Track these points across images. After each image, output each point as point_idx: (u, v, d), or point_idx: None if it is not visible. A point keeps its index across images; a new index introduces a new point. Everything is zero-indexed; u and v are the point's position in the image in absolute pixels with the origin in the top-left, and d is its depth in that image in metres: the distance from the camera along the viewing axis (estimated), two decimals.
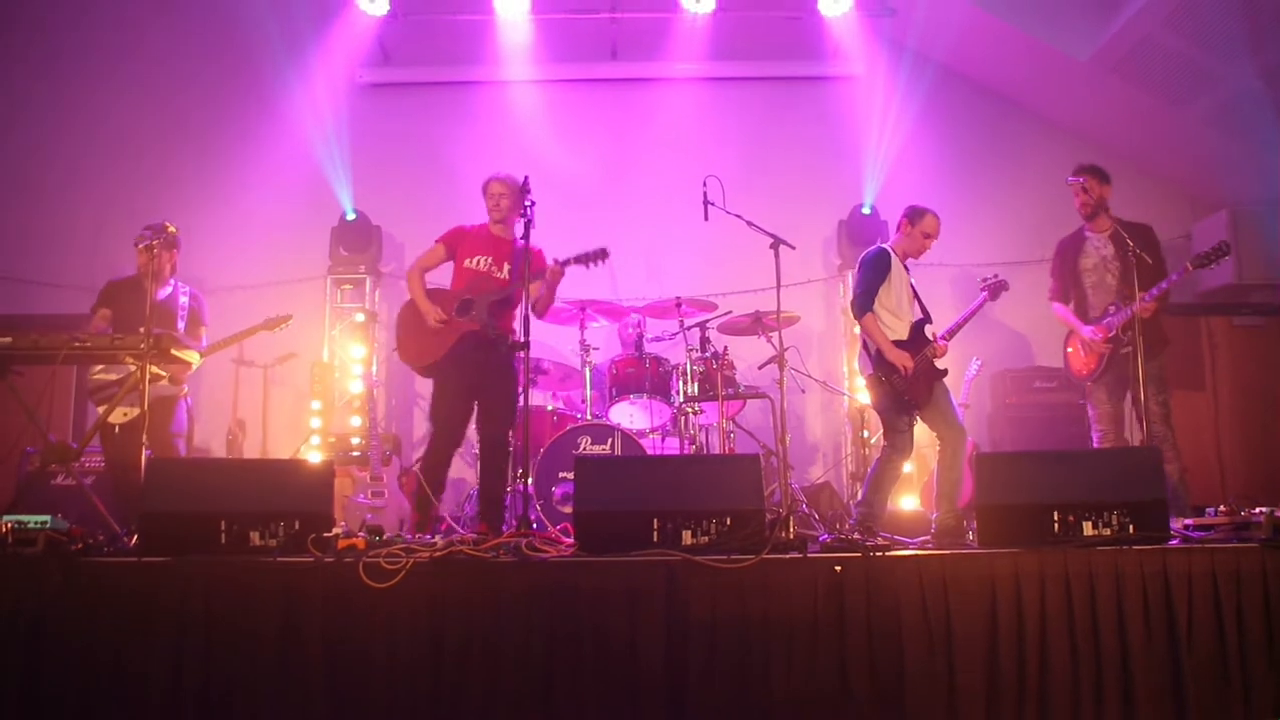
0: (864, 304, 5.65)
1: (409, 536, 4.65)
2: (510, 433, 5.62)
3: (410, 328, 5.70)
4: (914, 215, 5.74)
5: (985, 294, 5.96)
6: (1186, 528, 4.38)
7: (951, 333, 5.79)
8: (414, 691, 3.72)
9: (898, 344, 5.54)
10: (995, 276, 6.04)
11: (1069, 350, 6.20)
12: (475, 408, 5.64)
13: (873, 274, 5.67)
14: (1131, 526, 4.09)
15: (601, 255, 5.52)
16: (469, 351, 5.47)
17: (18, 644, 3.70)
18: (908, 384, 5.49)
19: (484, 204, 5.85)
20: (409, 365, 5.80)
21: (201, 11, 8.73)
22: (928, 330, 5.72)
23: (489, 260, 5.67)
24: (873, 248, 5.86)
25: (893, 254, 5.73)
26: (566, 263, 5.48)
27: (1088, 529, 4.10)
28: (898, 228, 5.83)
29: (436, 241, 5.82)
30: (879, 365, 5.58)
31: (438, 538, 4.62)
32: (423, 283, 5.72)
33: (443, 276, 5.91)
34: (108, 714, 3.69)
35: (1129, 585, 3.83)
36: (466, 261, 5.70)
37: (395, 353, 5.88)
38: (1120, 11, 7.31)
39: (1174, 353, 6.04)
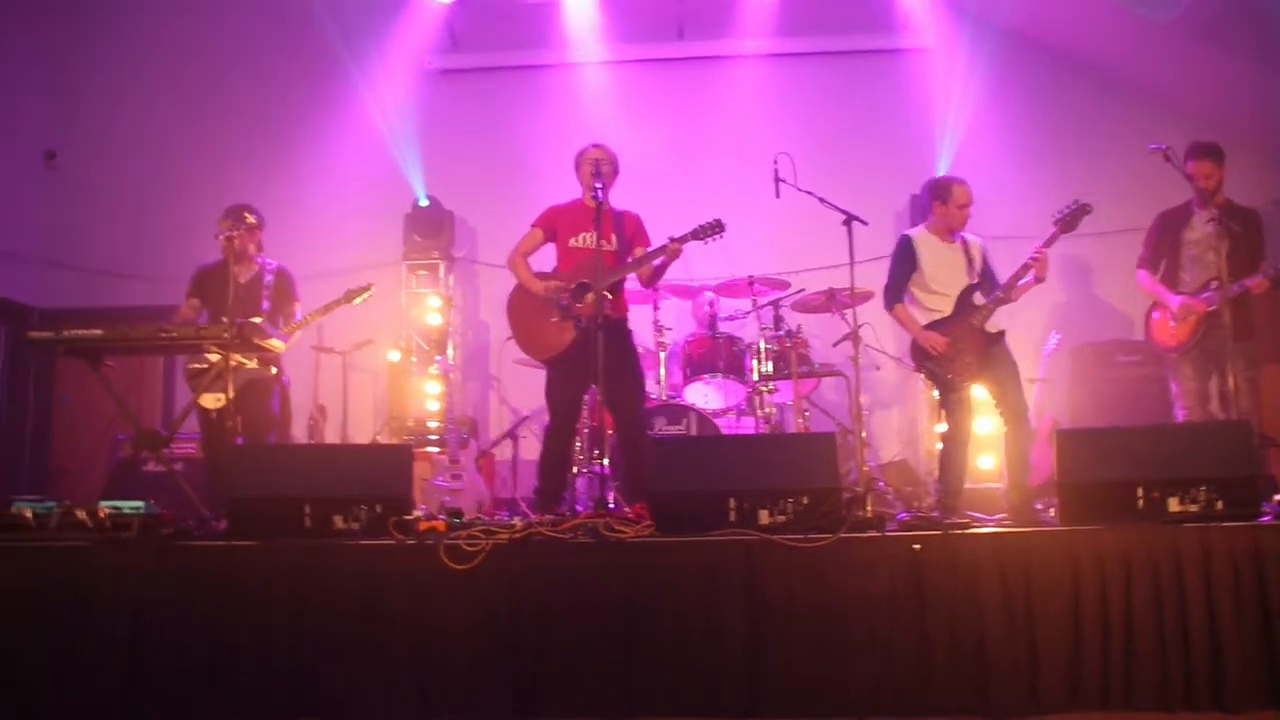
0: (890, 297, 5.67)
1: (488, 518, 4.70)
2: (641, 411, 5.52)
3: (525, 317, 5.48)
4: (941, 192, 5.59)
5: (1055, 229, 5.38)
6: (1279, 504, 4.26)
7: (1007, 287, 5.40)
8: (495, 670, 3.79)
9: (938, 322, 5.48)
10: (1075, 203, 5.37)
11: (1154, 320, 6.00)
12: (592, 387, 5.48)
13: (895, 266, 5.68)
14: (1220, 503, 3.98)
15: (717, 229, 5.24)
16: (592, 338, 5.06)
17: (120, 624, 3.86)
18: (943, 364, 5.41)
19: (576, 177, 5.60)
20: (527, 355, 5.60)
21: (276, 7, 8.88)
22: (977, 297, 5.48)
23: (594, 235, 5.25)
24: (900, 236, 5.83)
25: (918, 238, 5.66)
26: (684, 239, 5.23)
27: (1173, 505, 4.00)
28: (930, 208, 5.69)
29: (532, 226, 5.60)
30: (915, 353, 5.56)
31: (516, 519, 4.67)
32: (529, 267, 5.52)
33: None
34: (202, 691, 3.82)
35: (1218, 564, 3.73)
36: (571, 241, 5.49)
37: (510, 341, 5.66)
38: None
39: (1262, 326, 5.84)
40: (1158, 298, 5.91)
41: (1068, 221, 5.41)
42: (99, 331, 4.92)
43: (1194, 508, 3.99)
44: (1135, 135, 6.80)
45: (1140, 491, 4.04)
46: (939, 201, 5.61)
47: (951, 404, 5.50)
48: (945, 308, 5.51)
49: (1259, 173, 7.96)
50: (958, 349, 5.39)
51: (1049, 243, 5.42)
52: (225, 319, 5.08)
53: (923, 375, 5.72)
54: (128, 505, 4.18)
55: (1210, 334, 5.58)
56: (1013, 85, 8.50)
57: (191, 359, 5.98)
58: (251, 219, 5.98)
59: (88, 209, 8.98)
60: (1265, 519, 3.99)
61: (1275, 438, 5.91)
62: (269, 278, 6.14)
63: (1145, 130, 6.18)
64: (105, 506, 4.14)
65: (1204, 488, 4.00)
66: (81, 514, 4.11)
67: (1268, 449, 5.67)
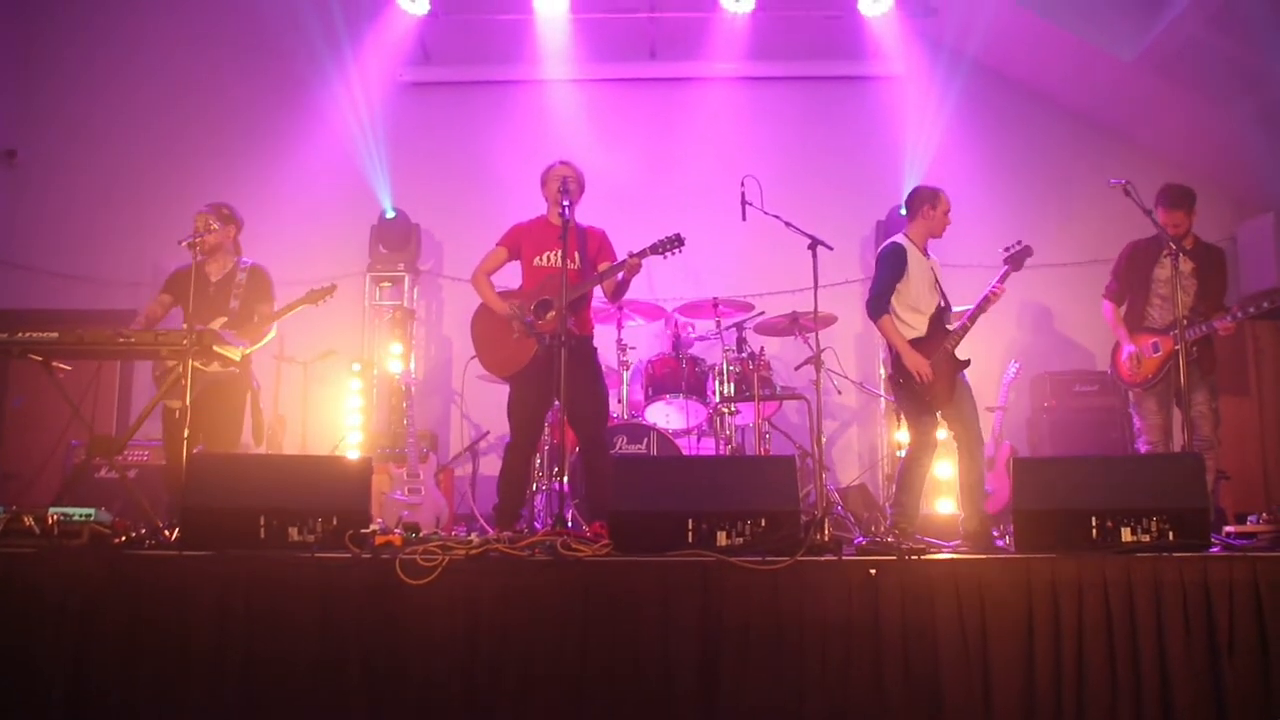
0: (878, 306, 5.57)
1: (445, 534, 4.67)
2: (603, 430, 5.53)
3: (488, 335, 5.49)
4: (933, 198, 5.61)
5: (1007, 267, 5.56)
6: (1228, 535, 4.32)
7: (973, 316, 5.53)
8: (448, 687, 3.75)
9: (916, 342, 5.48)
10: (1019, 244, 5.58)
11: (1121, 357, 5.96)
12: (554, 404, 5.41)
13: (888, 272, 5.57)
14: (1171, 533, 4.04)
15: (677, 243, 5.26)
16: (554, 355, 5.06)
17: (65, 634, 3.77)
18: (926, 387, 5.43)
19: (542, 194, 5.62)
20: (490, 373, 5.62)
21: (244, 11, 8.83)
22: (948, 320, 5.58)
23: (559, 254, 5.23)
24: (887, 243, 5.74)
25: (908, 245, 5.62)
26: (643, 254, 5.25)
27: (1126, 535, 4.05)
28: (915, 215, 5.67)
29: (497, 245, 5.61)
30: (897, 368, 5.53)
31: (473, 535, 4.65)
32: (492, 286, 5.53)
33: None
34: (151, 703, 3.75)
35: (1168, 593, 3.78)
36: (536, 259, 5.49)
37: (474, 359, 5.62)
38: (1165, 11, 7.22)
39: (1218, 358, 5.92)
40: (1117, 338, 5.97)
41: (1015, 259, 5.58)
42: (55, 334, 4.85)
43: (1146, 538, 4.05)
44: (1097, 168, 6.93)
45: (1094, 521, 4.09)
46: (929, 205, 5.60)
47: (923, 426, 5.52)
48: (920, 327, 5.51)
49: (1212, 207, 8.09)
50: (937, 373, 5.42)
51: (1003, 279, 5.55)
52: (190, 322, 5.00)
53: (894, 393, 5.70)
54: (78, 512, 4.11)
55: (1177, 370, 5.60)
56: (979, 116, 8.61)
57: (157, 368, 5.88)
58: (215, 224, 5.91)
59: (47, 210, 8.87)
60: (1215, 550, 4.06)
61: (1228, 471, 6.00)
62: (240, 275, 6.04)
63: (1107, 164, 6.28)
64: (54, 513, 4.07)
65: (1156, 518, 4.06)
66: (29, 520, 4.03)
67: (1219, 481, 5.76)
